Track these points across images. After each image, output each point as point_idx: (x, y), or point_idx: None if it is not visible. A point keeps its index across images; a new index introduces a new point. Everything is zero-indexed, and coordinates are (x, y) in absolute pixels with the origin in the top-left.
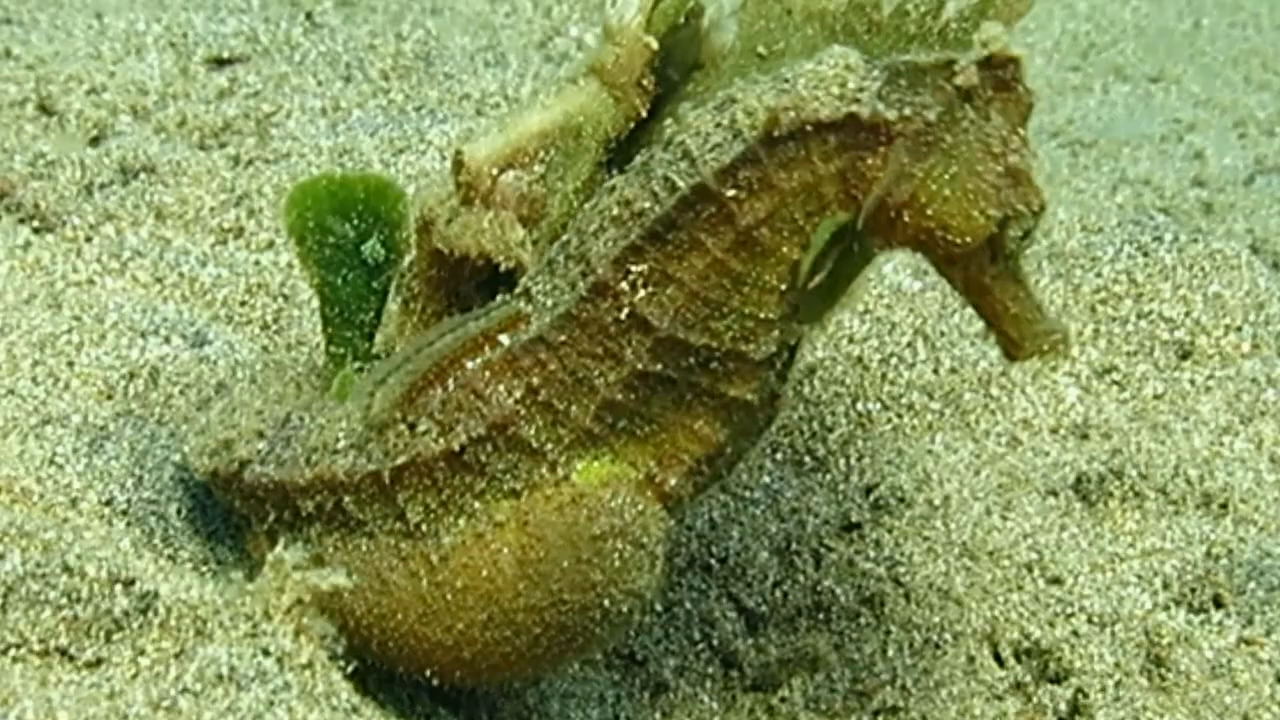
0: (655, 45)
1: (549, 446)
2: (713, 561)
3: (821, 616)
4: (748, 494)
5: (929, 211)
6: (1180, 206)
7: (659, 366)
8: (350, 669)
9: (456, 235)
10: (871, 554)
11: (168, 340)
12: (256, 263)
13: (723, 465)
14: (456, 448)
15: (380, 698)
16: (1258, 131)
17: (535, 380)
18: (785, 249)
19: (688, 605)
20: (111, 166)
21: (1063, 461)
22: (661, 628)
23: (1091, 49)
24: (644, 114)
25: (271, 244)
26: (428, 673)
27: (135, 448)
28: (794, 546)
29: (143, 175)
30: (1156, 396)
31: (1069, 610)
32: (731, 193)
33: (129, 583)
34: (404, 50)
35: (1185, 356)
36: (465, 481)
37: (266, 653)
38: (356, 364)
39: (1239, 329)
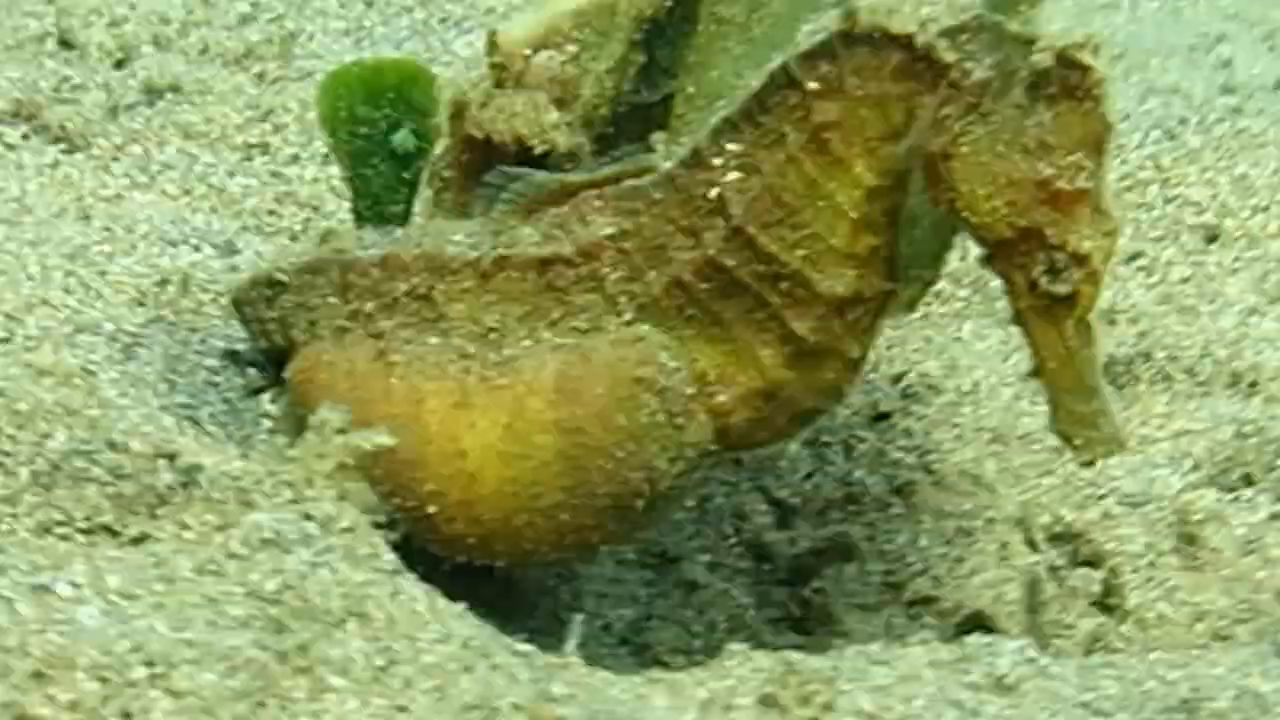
0: None
1: (622, 300)
2: (742, 454)
3: (853, 507)
4: None
5: (958, 175)
6: (1209, 114)
7: (731, 261)
8: (393, 537)
9: (490, 119)
10: (902, 443)
11: (198, 249)
12: (283, 175)
13: (779, 419)
14: (547, 255)
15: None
16: None
17: (628, 226)
18: (857, 167)
19: (719, 499)
20: (137, 88)
21: None
22: (693, 523)
23: None
24: None
25: (297, 157)
26: (463, 486)
27: (168, 354)
28: (824, 438)
29: (168, 95)
30: (1183, 280)
31: (1100, 493)
32: (812, 84)
33: (173, 457)
34: None
35: (1212, 240)
36: (545, 303)
37: (309, 517)
38: None
39: (1266, 209)
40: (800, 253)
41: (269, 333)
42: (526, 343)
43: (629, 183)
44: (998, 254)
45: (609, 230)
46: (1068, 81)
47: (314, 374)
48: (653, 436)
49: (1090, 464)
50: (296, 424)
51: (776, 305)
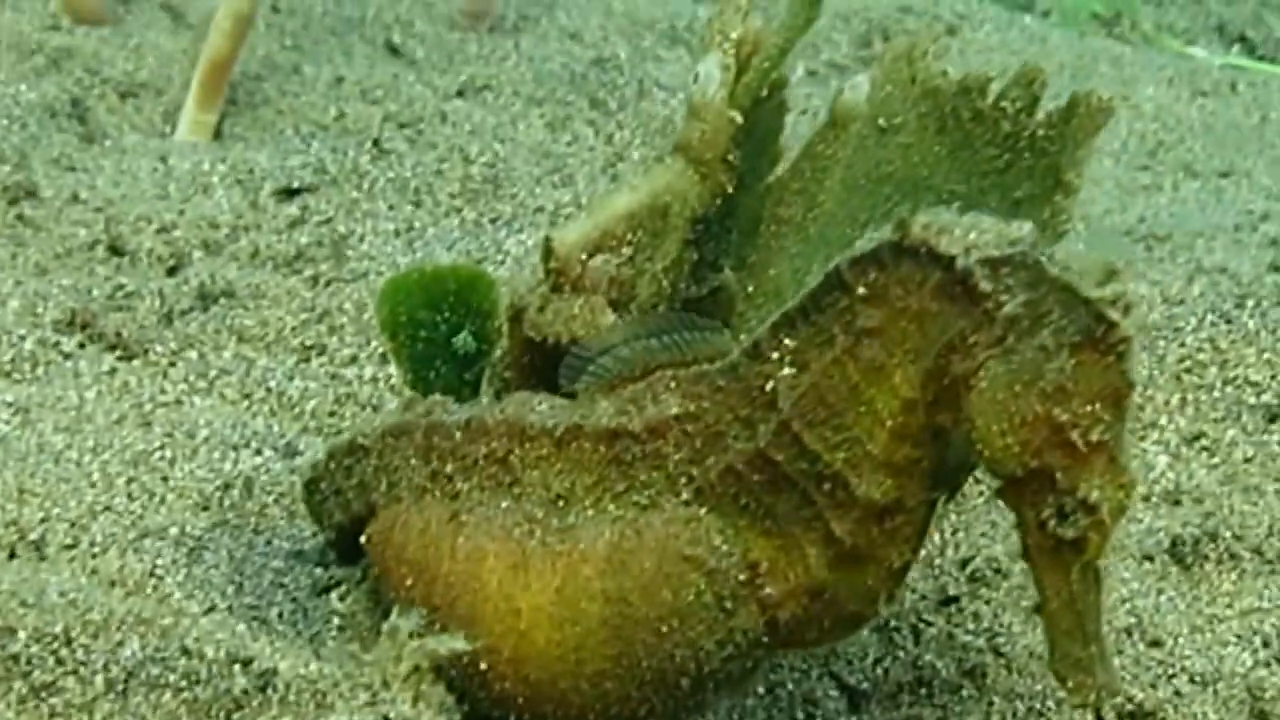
0: (739, 119)
1: (681, 481)
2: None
3: (924, 691)
4: None
5: (974, 406)
6: (1258, 291)
7: (779, 456)
8: None
9: (548, 322)
10: (971, 626)
11: (259, 452)
12: (342, 376)
13: (825, 620)
14: (616, 428)
15: None
16: None
17: (693, 408)
18: (895, 377)
19: (789, 686)
20: (190, 294)
21: (1156, 527)
22: (764, 709)
23: (1160, 147)
24: (729, 189)
25: (355, 358)
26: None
27: (234, 556)
28: (893, 623)
29: (222, 300)
30: (1246, 460)
31: (1170, 671)
32: (860, 289)
33: (247, 662)
34: (472, 174)
35: (1273, 419)
36: (612, 475)
37: (387, 719)
38: None
39: None
40: (841, 455)
41: (347, 502)
42: (590, 512)
43: (701, 366)
44: (1009, 489)
45: (675, 410)
46: (1094, 337)
47: (390, 535)
48: (699, 616)
49: (1081, 708)
50: (374, 587)
51: (821, 504)
